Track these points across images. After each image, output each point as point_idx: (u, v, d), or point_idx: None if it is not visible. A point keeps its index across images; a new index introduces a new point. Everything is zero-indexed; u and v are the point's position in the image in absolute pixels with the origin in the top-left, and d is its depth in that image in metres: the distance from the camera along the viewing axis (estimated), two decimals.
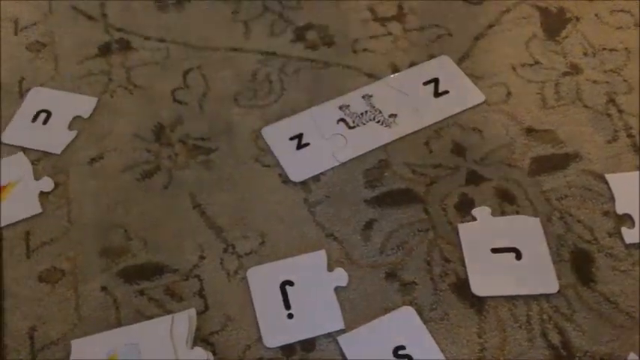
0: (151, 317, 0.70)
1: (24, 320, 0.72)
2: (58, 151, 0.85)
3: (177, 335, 0.67)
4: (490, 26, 0.94)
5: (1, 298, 0.73)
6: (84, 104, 0.89)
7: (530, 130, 0.84)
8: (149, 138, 0.86)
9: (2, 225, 0.79)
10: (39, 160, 0.84)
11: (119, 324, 0.70)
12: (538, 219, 0.76)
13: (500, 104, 0.87)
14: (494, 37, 0.93)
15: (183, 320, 0.69)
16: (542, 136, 0.84)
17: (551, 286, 0.72)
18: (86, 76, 0.92)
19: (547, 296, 0.71)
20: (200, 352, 0.67)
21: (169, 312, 0.71)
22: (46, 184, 0.82)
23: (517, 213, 0.77)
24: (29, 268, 0.75)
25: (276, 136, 0.85)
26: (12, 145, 0.86)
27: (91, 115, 0.88)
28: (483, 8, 0.95)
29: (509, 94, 0.87)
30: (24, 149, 0.85)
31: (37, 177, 0.83)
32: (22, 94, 0.91)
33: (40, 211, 0.80)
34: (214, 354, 0.67)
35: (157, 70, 0.92)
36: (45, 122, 0.88)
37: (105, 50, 0.94)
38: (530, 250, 0.74)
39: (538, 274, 0.73)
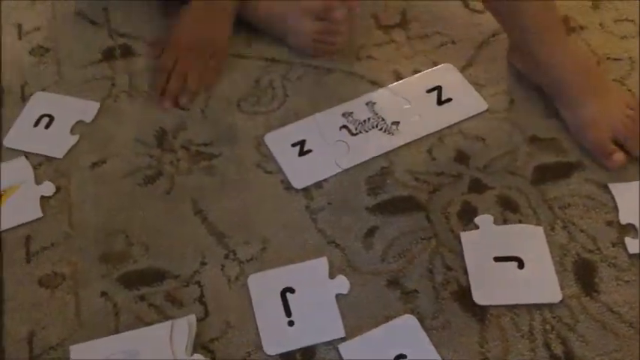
0: (150, 323, 0.70)
1: (23, 325, 0.71)
2: (60, 156, 0.85)
3: (177, 341, 0.67)
4: (494, 34, 0.94)
5: (1, 302, 0.73)
6: (86, 109, 0.89)
7: (533, 139, 0.84)
8: (151, 143, 0.86)
9: (3, 229, 0.78)
10: (40, 164, 0.84)
11: (118, 330, 0.70)
12: (541, 228, 0.76)
13: (503, 112, 0.86)
14: (497, 46, 0.93)
15: (183, 326, 0.68)
16: (546, 144, 0.83)
17: (554, 295, 0.71)
18: (89, 81, 0.92)
19: (550, 306, 0.71)
20: (199, 358, 0.66)
21: (169, 318, 0.70)
22: (47, 188, 0.82)
23: (520, 222, 0.77)
24: (29, 273, 0.75)
25: (279, 142, 0.85)
26: (14, 150, 0.86)
27: (93, 120, 0.88)
28: (487, 16, 0.95)
29: (512, 102, 0.87)
30: (26, 153, 0.85)
31: (38, 181, 0.83)
32: (24, 99, 0.91)
33: (41, 215, 0.79)
34: None
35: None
36: (47, 126, 0.88)
37: (108, 55, 0.94)
38: (532, 260, 0.73)
39: (541, 284, 0.72)
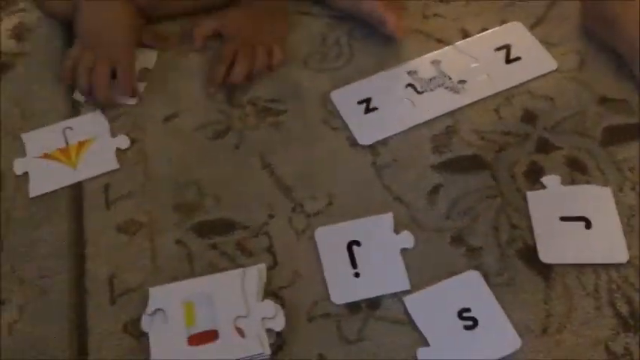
0: (223, 270, 0.73)
1: (104, 268, 0.75)
2: (133, 102, 0.87)
3: (248, 287, 0.70)
4: None
5: (83, 247, 0.77)
6: (146, 58, 0.91)
7: (603, 99, 0.82)
8: (221, 99, 0.88)
9: (82, 179, 0.82)
10: (116, 118, 0.87)
11: (193, 275, 0.73)
12: (609, 189, 0.75)
13: (573, 72, 0.85)
14: (568, 4, 0.90)
15: (254, 274, 0.71)
16: (616, 105, 0.82)
17: (621, 256, 0.71)
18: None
19: (616, 266, 0.71)
20: (270, 304, 0.69)
21: (240, 266, 0.73)
22: (123, 141, 0.85)
23: (588, 182, 0.76)
24: (108, 219, 0.79)
25: (345, 99, 0.86)
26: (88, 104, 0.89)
27: (160, 72, 0.90)
28: None
29: (582, 62, 0.86)
30: (102, 107, 0.88)
31: (113, 134, 0.86)
32: None
33: (118, 167, 0.83)
34: (283, 307, 0.70)
35: None
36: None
37: None
38: (600, 220, 0.73)
39: (607, 244, 0.72)
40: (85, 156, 0.85)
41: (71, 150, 0.85)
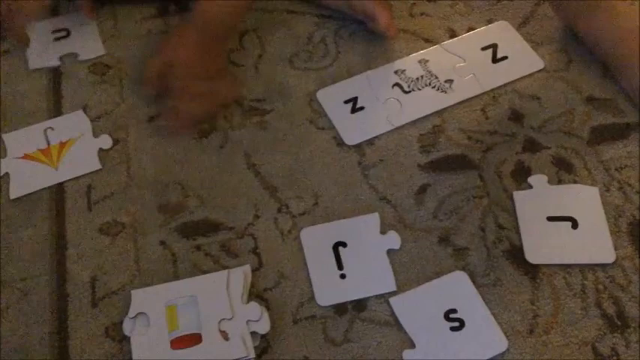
0: (207, 272, 0.72)
1: (85, 270, 0.74)
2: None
3: (233, 289, 0.69)
4: None
5: (64, 248, 0.76)
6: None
7: (590, 99, 0.82)
8: None
9: (64, 180, 0.81)
10: (99, 117, 0.86)
11: (177, 277, 0.72)
12: (596, 188, 0.75)
13: (560, 71, 0.85)
14: None
15: (239, 276, 0.70)
16: (603, 105, 0.82)
17: (608, 256, 0.71)
18: (145, 36, 0.93)
19: (603, 266, 0.70)
20: (255, 307, 0.68)
21: (225, 267, 0.72)
22: (105, 141, 0.84)
23: (575, 182, 0.76)
24: (90, 221, 0.78)
25: (331, 99, 0.85)
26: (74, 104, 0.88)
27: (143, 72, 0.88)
28: None
29: (569, 61, 0.86)
30: (85, 107, 0.87)
31: (95, 134, 0.85)
32: None
33: (100, 167, 0.82)
34: (268, 309, 0.69)
35: None
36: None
37: (163, 11, 0.95)
38: (587, 220, 0.73)
39: (594, 244, 0.72)
40: (66, 156, 0.83)
41: (52, 150, 0.84)
